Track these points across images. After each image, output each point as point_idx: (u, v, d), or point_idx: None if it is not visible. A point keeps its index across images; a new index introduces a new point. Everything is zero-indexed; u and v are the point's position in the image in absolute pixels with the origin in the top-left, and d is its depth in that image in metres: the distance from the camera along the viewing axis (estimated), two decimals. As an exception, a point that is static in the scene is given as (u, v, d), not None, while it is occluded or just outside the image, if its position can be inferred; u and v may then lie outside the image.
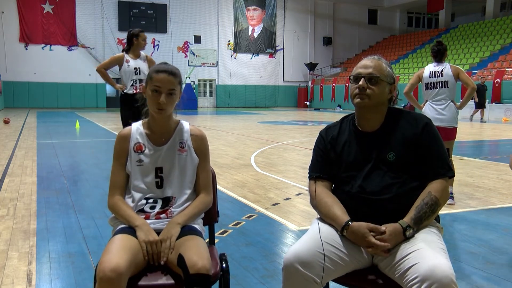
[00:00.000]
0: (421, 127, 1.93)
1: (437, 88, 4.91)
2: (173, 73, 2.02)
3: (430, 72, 4.97)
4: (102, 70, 5.52)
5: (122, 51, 5.62)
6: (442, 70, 4.88)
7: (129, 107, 5.29)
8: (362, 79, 1.94)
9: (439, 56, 4.95)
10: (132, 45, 5.53)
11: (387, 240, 1.75)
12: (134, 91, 5.48)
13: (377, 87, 1.93)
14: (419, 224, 1.81)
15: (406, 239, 1.78)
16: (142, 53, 5.65)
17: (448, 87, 4.88)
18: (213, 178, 2.20)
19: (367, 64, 1.97)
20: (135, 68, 5.51)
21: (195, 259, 1.74)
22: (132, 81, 5.50)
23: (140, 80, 5.50)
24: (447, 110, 4.86)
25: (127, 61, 5.49)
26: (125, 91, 5.54)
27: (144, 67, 5.56)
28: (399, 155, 1.91)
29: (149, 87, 2.03)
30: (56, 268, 3.05)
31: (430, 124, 1.95)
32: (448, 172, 1.90)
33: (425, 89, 5.02)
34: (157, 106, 2.01)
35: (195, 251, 1.79)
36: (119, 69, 5.58)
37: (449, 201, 4.86)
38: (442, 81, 4.89)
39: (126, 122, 5.25)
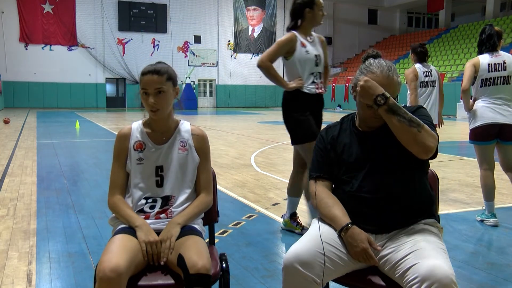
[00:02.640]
0: (413, 110, 1.92)
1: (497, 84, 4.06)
2: (157, 72, 2.01)
3: (489, 64, 4.02)
4: (268, 64, 3.55)
5: (288, 29, 3.64)
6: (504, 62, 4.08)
7: (311, 111, 3.61)
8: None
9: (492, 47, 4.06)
10: (304, 20, 3.58)
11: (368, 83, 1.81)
12: (318, 90, 3.63)
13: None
14: (393, 111, 1.80)
15: (374, 105, 1.82)
16: (313, 33, 3.72)
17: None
18: (213, 178, 2.20)
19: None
20: (315, 56, 3.59)
21: (195, 259, 1.74)
22: (312, 76, 3.60)
23: (320, 75, 3.68)
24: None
25: (303, 45, 3.55)
26: (304, 89, 3.58)
27: (322, 54, 3.70)
28: (399, 154, 1.91)
29: (140, 90, 2.04)
30: (56, 268, 3.05)
31: (423, 108, 1.96)
32: (434, 130, 1.83)
33: (482, 86, 4.09)
34: (149, 108, 2.02)
35: (195, 251, 1.79)
36: (286, 59, 3.59)
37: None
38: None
39: (310, 134, 3.50)
